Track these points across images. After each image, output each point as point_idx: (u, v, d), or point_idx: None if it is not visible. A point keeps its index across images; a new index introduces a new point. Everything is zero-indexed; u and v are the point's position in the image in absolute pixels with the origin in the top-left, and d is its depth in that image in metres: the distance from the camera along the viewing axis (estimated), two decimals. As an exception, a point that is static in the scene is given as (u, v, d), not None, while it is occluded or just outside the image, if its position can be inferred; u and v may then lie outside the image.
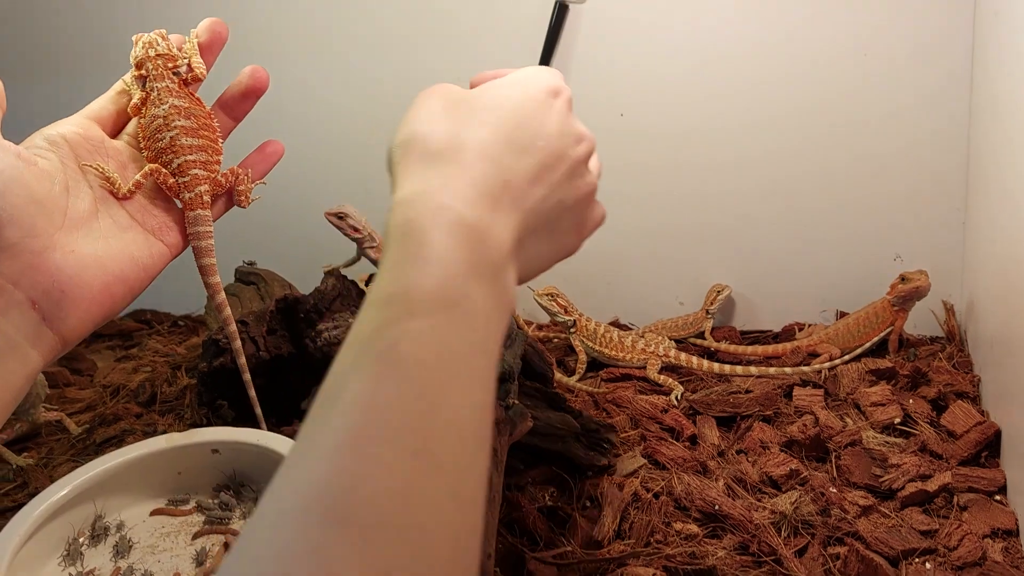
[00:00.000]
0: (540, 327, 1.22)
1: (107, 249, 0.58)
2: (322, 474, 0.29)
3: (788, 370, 0.98)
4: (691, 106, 1.09)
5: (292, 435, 0.79)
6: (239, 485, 0.79)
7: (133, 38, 0.66)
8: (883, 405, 0.88)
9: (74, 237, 0.57)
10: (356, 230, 0.94)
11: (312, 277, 0.98)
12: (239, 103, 0.68)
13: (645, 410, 0.91)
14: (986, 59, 0.93)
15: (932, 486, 0.75)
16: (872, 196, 1.07)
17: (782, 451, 0.82)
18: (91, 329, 0.57)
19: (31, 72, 1.34)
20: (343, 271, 0.97)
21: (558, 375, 0.99)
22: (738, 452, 0.85)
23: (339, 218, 0.93)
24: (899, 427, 0.86)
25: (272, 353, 0.89)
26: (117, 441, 0.97)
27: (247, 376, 0.75)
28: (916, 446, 0.82)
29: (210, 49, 0.67)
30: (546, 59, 1.08)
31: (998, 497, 0.75)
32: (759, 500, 0.76)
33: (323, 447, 0.30)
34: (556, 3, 1.06)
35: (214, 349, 0.89)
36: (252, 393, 0.75)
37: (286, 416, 0.87)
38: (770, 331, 1.14)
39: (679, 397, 0.95)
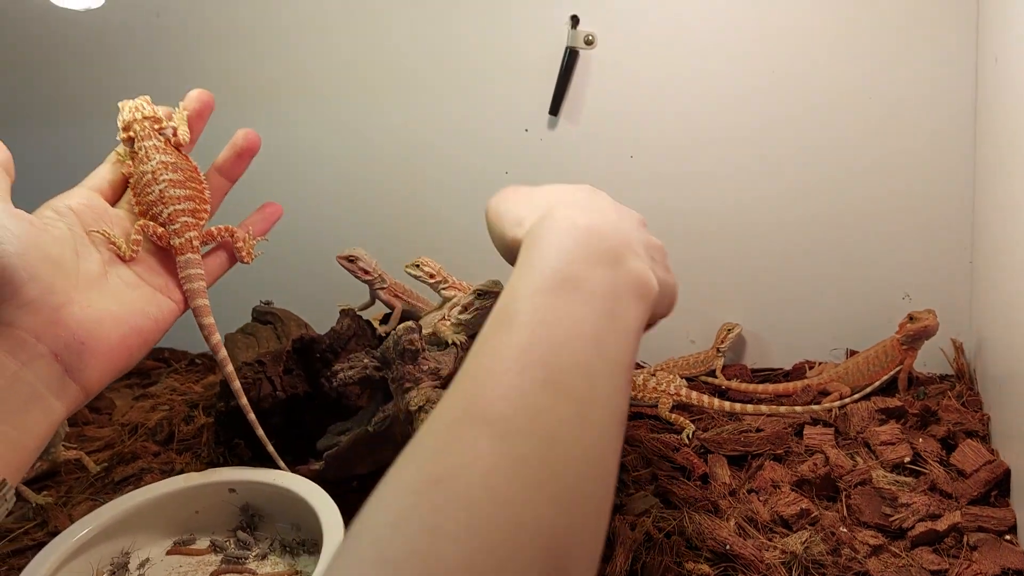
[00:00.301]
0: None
1: (120, 305, 0.62)
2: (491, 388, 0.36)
3: (798, 409, 0.99)
4: (700, 148, 1.11)
5: (307, 473, 0.80)
6: (255, 524, 0.80)
7: (119, 104, 0.71)
8: (893, 444, 0.89)
9: (89, 295, 0.61)
10: (366, 272, 0.96)
11: (327, 316, 1.00)
12: (234, 165, 0.74)
13: (657, 449, 0.92)
14: (987, 102, 0.94)
15: (942, 525, 0.75)
16: (880, 236, 1.08)
17: (793, 490, 0.83)
18: (110, 380, 0.61)
19: (41, 118, 1.38)
20: (358, 312, 0.98)
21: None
22: (749, 491, 0.85)
23: (350, 261, 0.96)
24: (909, 466, 0.86)
25: (288, 392, 0.90)
26: (135, 480, 0.99)
27: (252, 416, 0.77)
28: (926, 485, 0.82)
29: (199, 117, 0.73)
30: (557, 103, 1.11)
31: (1008, 537, 0.75)
32: (770, 540, 0.77)
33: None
34: (567, 48, 1.09)
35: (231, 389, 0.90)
36: (260, 432, 0.77)
37: (302, 454, 0.88)
38: (781, 369, 1.15)
39: (690, 435, 0.96)
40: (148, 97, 0.72)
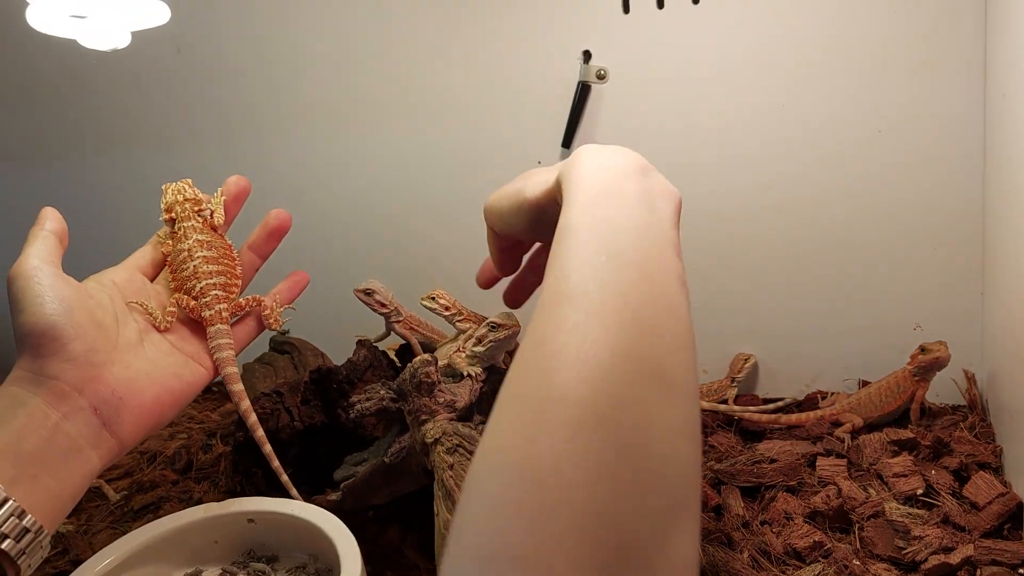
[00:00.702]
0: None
1: (155, 367, 0.67)
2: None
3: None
4: (712, 181, 1.12)
5: (325, 504, 0.81)
6: (273, 554, 0.81)
7: (163, 187, 0.77)
8: (905, 476, 0.89)
9: (127, 356, 0.65)
10: (383, 305, 0.98)
11: (341, 345, 1.02)
12: (265, 243, 0.79)
13: (669, 480, 0.93)
14: (996, 136, 0.96)
15: (955, 559, 0.75)
16: (892, 267, 1.09)
17: (806, 522, 0.83)
18: (144, 436, 0.65)
19: (70, 151, 1.41)
20: (374, 343, 1.00)
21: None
22: (762, 523, 0.86)
23: (367, 294, 0.97)
24: (922, 498, 0.87)
25: (306, 423, 0.92)
26: (154, 508, 1.00)
27: (268, 448, 0.79)
28: (939, 518, 0.82)
29: (235, 200, 0.79)
30: (569, 137, 1.13)
31: (1021, 570, 0.75)
32: (783, 572, 0.77)
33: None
34: (579, 83, 1.11)
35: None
36: (276, 464, 0.79)
37: (319, 484, 0.89)
38: (793, 399, 1.16)
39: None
40: (189, 180, 0.78)
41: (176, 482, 1.05)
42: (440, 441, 0.71)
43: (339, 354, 1.15)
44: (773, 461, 0.95)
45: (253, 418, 0.78)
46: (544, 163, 1.17)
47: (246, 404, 0.77)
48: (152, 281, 0.76)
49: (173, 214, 0.76)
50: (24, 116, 1.42)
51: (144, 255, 0.77)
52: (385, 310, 0.98)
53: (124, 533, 0.94)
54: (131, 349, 0.66)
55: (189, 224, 0.75)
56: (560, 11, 1.11)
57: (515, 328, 0.78)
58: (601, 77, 1.09)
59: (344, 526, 0.74)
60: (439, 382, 0.75)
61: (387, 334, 1.02)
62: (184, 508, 0.97)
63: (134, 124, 1.36)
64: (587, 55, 1.10)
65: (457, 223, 1.25)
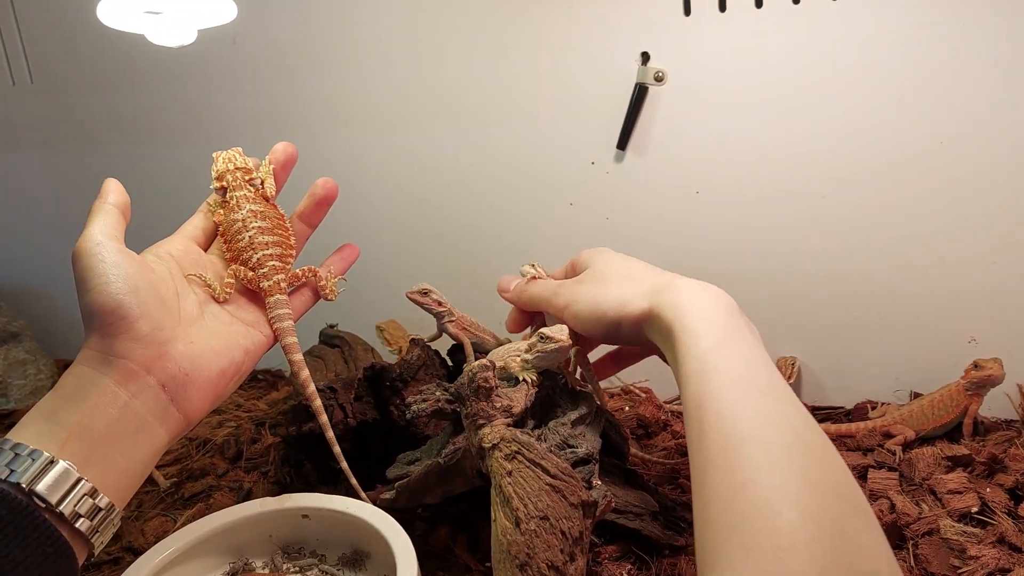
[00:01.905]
0: (611, 395, 1.25)
1: (218, 339, 0.68)
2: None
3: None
4: (767, 188, 1.11)
5: (377, 501, 0.82)
6: (324, 550, 0.82)
7: (213, 155, 0.77)
8: (960, 493, 0.88)
9: (190, 331, 0.66)
10: (440, 304, 0.98)
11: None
12: (314, 212, 0.80)
13: (719, 488, 0.92)
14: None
15: (1012, 581, 0.75)
16: (947, 279, 1.07)
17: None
18: (209, 408, 0.66)
19: (137, 139, 1.43)
20: (427, 343, 1.00)
21: (634, 449, 1.00)
22: (813, 536, 0.85)
23: (423, 294, 0.98)
24: (976, 516, 0.86)
25: (358, 419, 0.93)
26: (204, 496, 1.01)
27: (337, 449, 0.79)
28: (994, 537, 0.81)
29: (283, 168, 0.79)
30: (624, 139, 1.12)
31: (1080, 596, 0.74)
32: (836, 587, 0.77)
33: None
34: (636, 84, 1.10)
35: (303, 414, 0.93)
36: (344, 465, 0.79)
37: (369, 481, 0.90)
38: (841, 408, 1.15)
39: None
40: (240, 149, 0.77)
41: (225, 471, 1.07)
42: (498, 447, 0.71)
43: (384, 349, 1.16)
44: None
45: (312, 388, 0.78)
46: (598, 165, 1.17)
47: (306, 374, 0.77)
48: (206, 251, 0.77)
49: (224, 183, 0.75)
50: (87, 105, 1.44)
51: (196, 225, 0.77)
52: (441, 309, 0.99)
53: (174, 520, 0.97)
54: (193, 323, 0.67)
55: (241, 194, 0.75)
56: (619, 12, 1.10)
57: (564, 344, 0.78)
58: (659, 79, 1.09)
59: (400, 527, 0.75)
60: (496, 387, 0.75)
61: (439, 335, 1.02)
62: (234, 497, 0.99)
63: (198, 112, 1.38)
64: (645, 57, 1.09)
65: (510, 223, 1.25)
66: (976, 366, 0.99)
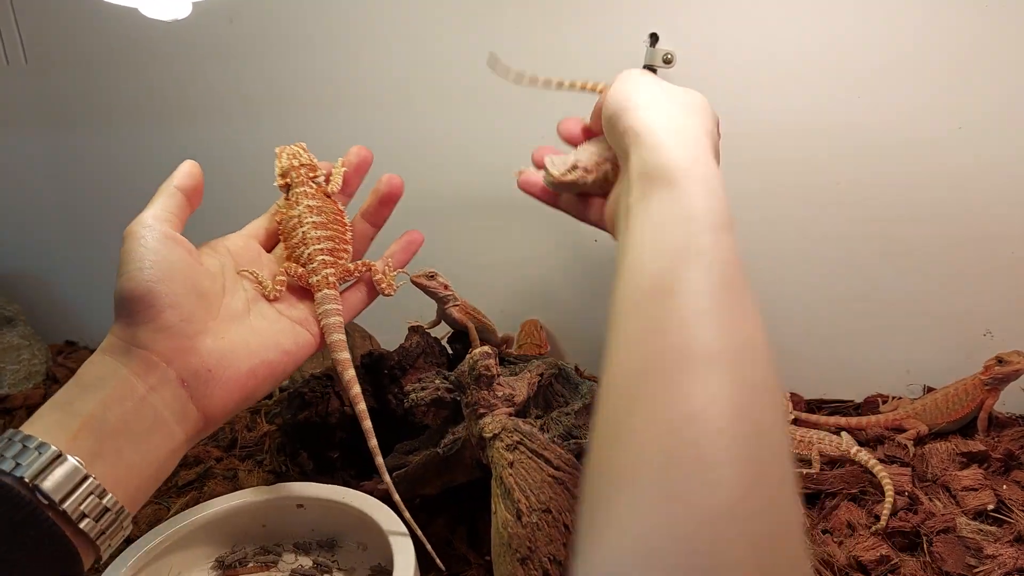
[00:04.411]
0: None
1: (256, 337, 0.64)
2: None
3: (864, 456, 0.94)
4: (775, 172, 1.08)
5: (371, 490, 0.80)
6: (328, 540, 0.80)
7: (276, 150, 0.74)
8: (975, 490, 0.85)
9: (226, 327, 0.63)
10: (446, 287, 0.96)
11: (386, 328, 1.00)
12: (378, 211, 0.77)
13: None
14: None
15: (1031, 581, 0.72)
16: (963, 270, 1.04)
17: (872, 535, 0.80)
18: (233, 410, 0.62)
19: (130, 118, 1.40)
20: (427, 330, 0.98)
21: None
22: (824, 532, 0.83)
23: (428, 278, 0.95)
24: (992, 514, 0.83)
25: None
26: (198, 484, 0.99)
27: (367, 424, 0.73)
28: (1011, 536, 0.79)
29: (356, 171, 0.77)
30: (632, 122, 1.09)
31: (1102, 597, 0.72)
32: (848, 586, 0.74)
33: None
34: (644, 66, 1.07)
35: (299, 402, 0.90)
36: (373, 443, 0.72)
37: (366, 471, 0.88)
38: (851, 401, 1.12)
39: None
40: (303, 144, 0.75)
41: (220, 459, 1.04)
42: (499, 437, 0.68)
43: (383, 337, 1.14)
44: (839, 466, 0.92)
45: (356, 390, 0.72)
46: (604, 149, 1.14)
47: (351, 374, 0.72)
48: (270, 252, 0.75)
49: (288, 180, 0.73)
50: (81, 85, 1.41)
51: (260, 224, 0.75)
52: (447, 293, 0.96)
53: (167, 508, 0.94)
54: (234, 319, 0.64)
55: (301, 190, 0.72)
56: (627, -9, 1.07)
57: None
58: (668, 61, 1.06)
59: (397, 518, 0.72)
60: (498, 375, 0.73)
61: (438, 321, 0.99)
62: (228, 486, 0.97)
63: (192, 92, 1.35)
64: (654, 38, 1.06)
65: (515, 206, 1.22)
66: (1000, 361, 0.96)
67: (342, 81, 1.26)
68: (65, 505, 0.49)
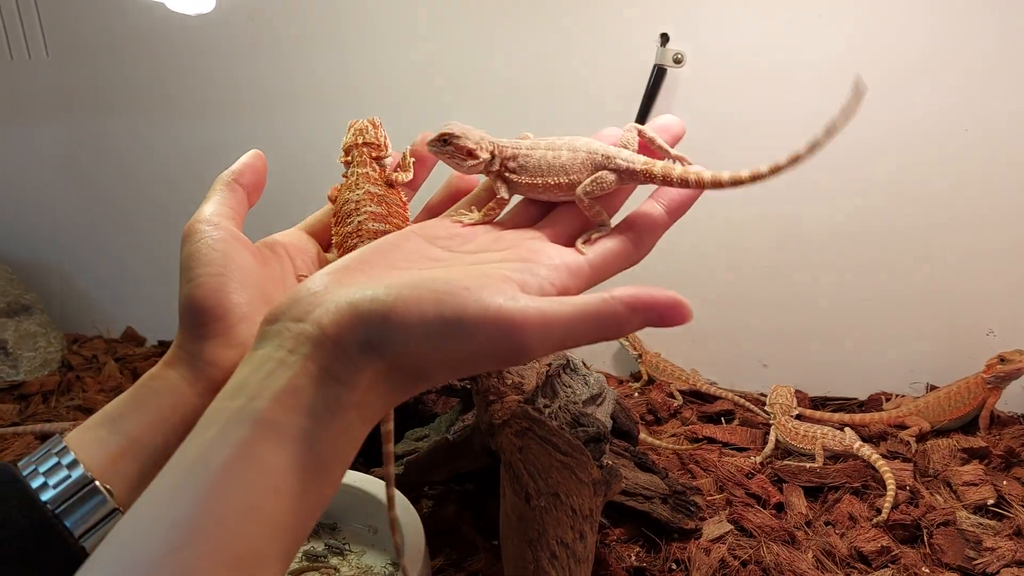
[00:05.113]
0: (620, 382, 1.24)
1: None
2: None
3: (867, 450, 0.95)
4: (784, 177, 1.09)
5: (381, 476, 0.81)
6: (338, 524, 0.81)
7: (349, 124, 0.66)
8: (976, 485, 0.87)
9: None
10: (471, 153, 0.59)
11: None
12: (445, 206, 0.65)
13: (730, 474, 0.92)
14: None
15: (1029, 573, 0.73)
16: (966, 271, 1.06)
17: (873, 527, 0.82)
18: None
19: (153, 110, 1.42)
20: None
21: (643, 435, 0.99)
22: (826, 524, 0.84)
23: (443, 143, 0.60)
24: (992, 508, 0.85)
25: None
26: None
27: (389, 427, 0.69)
28: (1011, 529, 0.80)
29: (424, 163, 0.67)
30: (642, 120, 1.11)
31: (1098, 589, 0.73)
32: (849, 575, 0.76)
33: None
34: (655, 65, 1.09)
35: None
36: (389, 448, 0.70)
37: (375, 457, 0.89)
38: (855, 399, 1.13)
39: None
40: (377, 118, 0.67)
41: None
42: (509, 423, 0.70)
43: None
44: (838, 461, 0.93)
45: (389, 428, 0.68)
46: (614, 146, 1.15)
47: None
48: (327, 249, 0.66)
49: (350, 157, 0.65)
50: (99, 77, 1.43)
51: (319, 218, 0.67)
52: (476, 159, 0.64)
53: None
54: None
55: (362, 171, 0.64)
56: (639, -9, 1.08)
57: None
58: (678, 61, 1.07)
59: (408, 502, 0.74)
60: (508, 363, 0.74)
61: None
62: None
63: (201, 88, 1.37)
64: (665, 38, 1.08)
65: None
66: (1003, 360, 0.97)
67: (359, 77, 1.28)
68: (84, 541, 0.45)
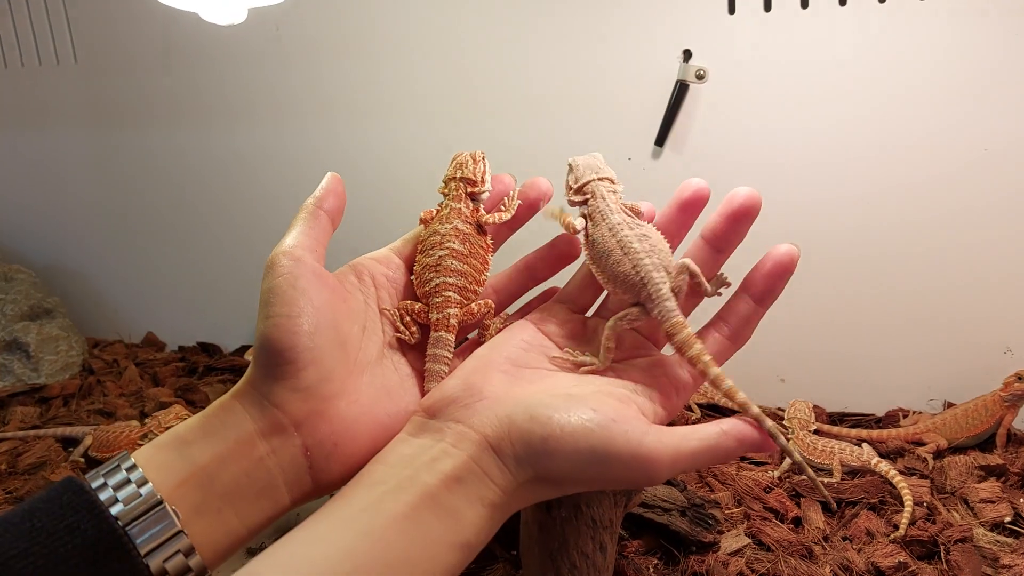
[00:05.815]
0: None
1: (384, 403, 0.57)
2: None
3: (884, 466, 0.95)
4: (805, 192, 1.10)
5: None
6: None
7: (453, 155, 0.66)
8: (993, 502, 0.87)
9: (359, 383, 0.56)
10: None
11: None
12: (546, 267, 0.66)
13: (748, 488, 0.92)
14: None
15: (1047, 592, 0.74)
16: (984, 289, 1.06)
17: (891, 542, 0.82)
18: (343, 483, 0.52)
19: (184, 118, 1.44)
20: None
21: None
22: (844, 539, 0.84)
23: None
24: (1009, 526, 0.85)
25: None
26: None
27: None
28: (1028, 548, 0.81)
29: (530, 207, 0.65)
30: (663, 136, 1.12)
31: (1117, 609, 0.73)
32: (866, 590, 0.76)
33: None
34: (677, 81, 1.10)
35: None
36: None
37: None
38: (873, 415, 1.14)
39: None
40: (479, 153, 0.67)
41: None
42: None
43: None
44: (856, 476, 0.94)
45: None
46: (635, 161, 1.16)
47: None
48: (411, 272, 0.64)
49: (447, 189, 0.65)
50: (127, 86, 1.46)
51: (408, 238, 0.66)
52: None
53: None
54: (366, 370, 0.57)
55: (455, 206, 0.63)
56: (662, 9, 1.10)
57: None
58: (700, 77, 1.08)
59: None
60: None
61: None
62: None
63: (226, 98, 1.39)
64: (687, 54, 1.09)
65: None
66: (1020, 378, 0.98)
67: (390, 88, 1.29)
68: (149, 559, 0.45)
